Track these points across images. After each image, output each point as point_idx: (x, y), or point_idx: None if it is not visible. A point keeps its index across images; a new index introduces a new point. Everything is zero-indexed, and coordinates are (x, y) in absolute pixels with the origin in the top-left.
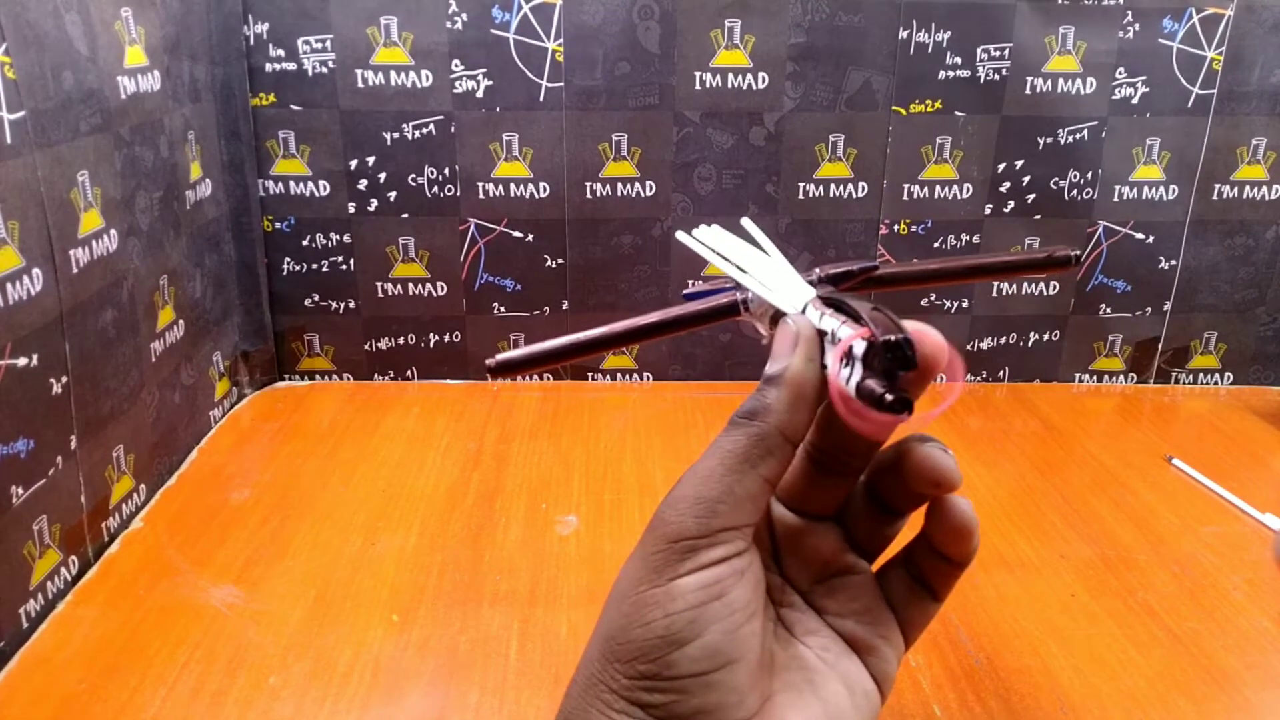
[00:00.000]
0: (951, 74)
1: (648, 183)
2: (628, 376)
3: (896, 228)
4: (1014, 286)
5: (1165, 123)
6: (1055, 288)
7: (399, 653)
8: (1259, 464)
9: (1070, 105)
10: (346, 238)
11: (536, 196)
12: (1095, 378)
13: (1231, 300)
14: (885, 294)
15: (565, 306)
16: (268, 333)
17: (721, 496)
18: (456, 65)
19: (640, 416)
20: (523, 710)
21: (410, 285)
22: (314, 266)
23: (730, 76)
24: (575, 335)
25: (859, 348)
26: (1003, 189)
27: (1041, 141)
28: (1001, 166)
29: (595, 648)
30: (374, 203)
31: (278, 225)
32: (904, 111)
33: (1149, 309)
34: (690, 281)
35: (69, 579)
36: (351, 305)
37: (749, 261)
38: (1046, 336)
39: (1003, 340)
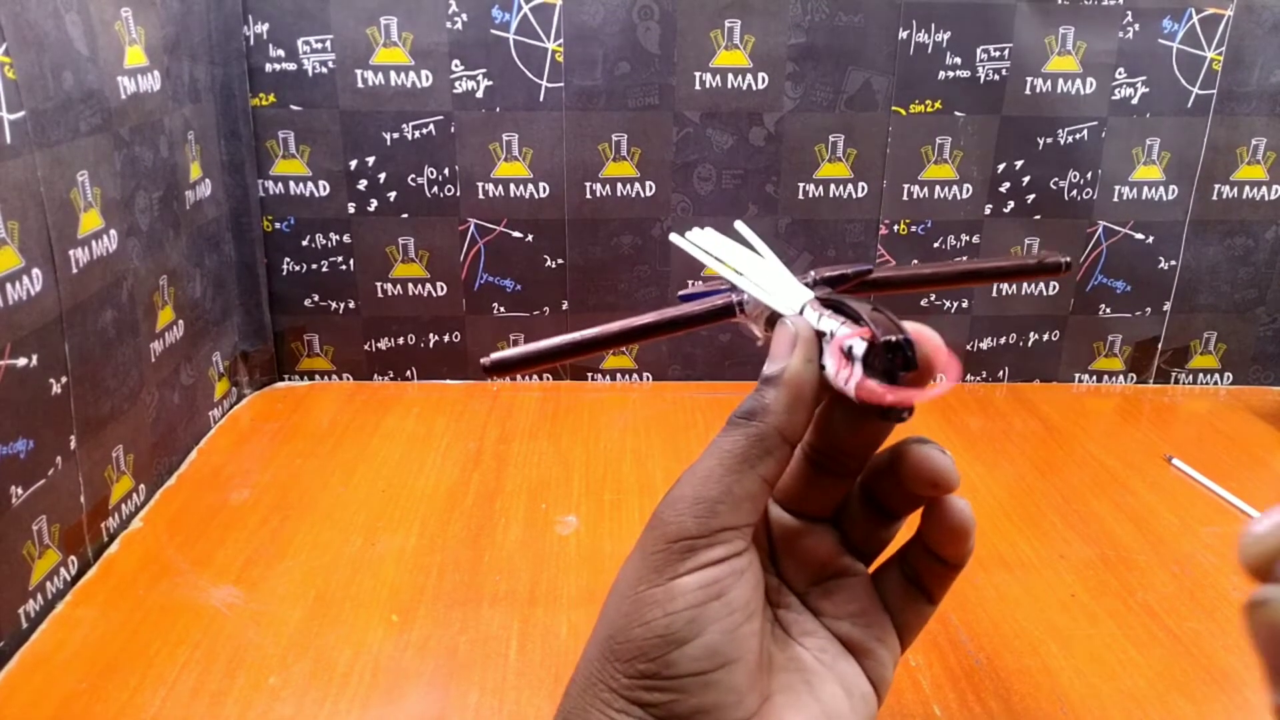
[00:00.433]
0: (951, 74)
1: (647, 183)
2: (627, 376)
3: (896, 228)
4: (1014, 287)
5: (1165, 123)
6: (1055, 288)
7: (399, 653)
8: (1259, 464)
9: (1070, 105)
10: (346, 238)
11: (536, 197)
12: (1095, 378)
13: (1231, 300)
14: (881, 297)
15: (565, 307)
16: (267, 333)
17: (721, 496)
18: (456, 65)
19: (640, 416)
20: (523, 710)
21: (410, 285)
22: (314, 267)
23: (730, 77)
24: (570, 335)
25: (859, 348)
26: (1002, 189)
27: (1041, 142)
28: (1001, 167)
29: (595, 647)
30: (374, 203)
31: (277, 225)
32: (904, 112)
33: (1149, 309)
34: (689, 282)
35: (68, 579)
36: (351, 305)
37: (744, 263)
38: (1046, 337)
39: (1002, 340)
